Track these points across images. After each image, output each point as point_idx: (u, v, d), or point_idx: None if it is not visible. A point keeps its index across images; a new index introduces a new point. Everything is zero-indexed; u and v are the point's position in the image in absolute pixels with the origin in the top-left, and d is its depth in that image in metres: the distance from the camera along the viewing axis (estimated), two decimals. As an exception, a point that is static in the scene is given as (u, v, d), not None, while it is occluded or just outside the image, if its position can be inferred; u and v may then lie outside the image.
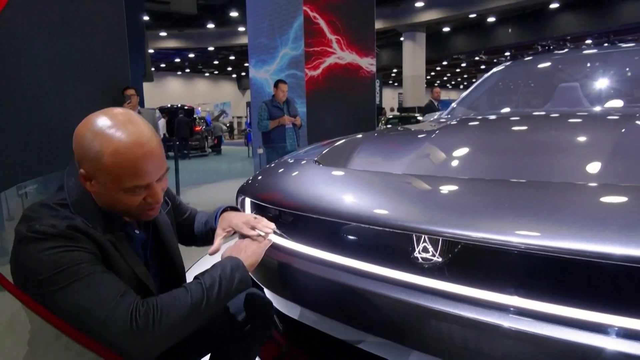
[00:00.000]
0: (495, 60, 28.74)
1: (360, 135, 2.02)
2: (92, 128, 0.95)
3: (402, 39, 21.70)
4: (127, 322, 0.87)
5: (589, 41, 23.50)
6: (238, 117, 38.05)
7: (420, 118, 13.14)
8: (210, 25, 22.25)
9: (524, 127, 1.78)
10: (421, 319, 1.02)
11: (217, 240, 1.26)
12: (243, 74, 35.99)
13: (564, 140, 1.51)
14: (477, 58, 27.08)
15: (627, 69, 2.44)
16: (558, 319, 0.88)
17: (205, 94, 35.23)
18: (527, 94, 2.58)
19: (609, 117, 1.77)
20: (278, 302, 1.34)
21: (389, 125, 11.27)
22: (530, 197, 1.07)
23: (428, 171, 1.37)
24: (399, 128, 2.16)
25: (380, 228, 1.13)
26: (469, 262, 1.03)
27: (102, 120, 0.96)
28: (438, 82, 38.51)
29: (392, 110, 20.42)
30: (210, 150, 17.80)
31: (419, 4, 19.51)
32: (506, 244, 0.93)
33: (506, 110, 2.49)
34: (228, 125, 30.29)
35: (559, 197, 1.04)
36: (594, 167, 1.20)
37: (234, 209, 1.37)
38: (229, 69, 33.75)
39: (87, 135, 0.94)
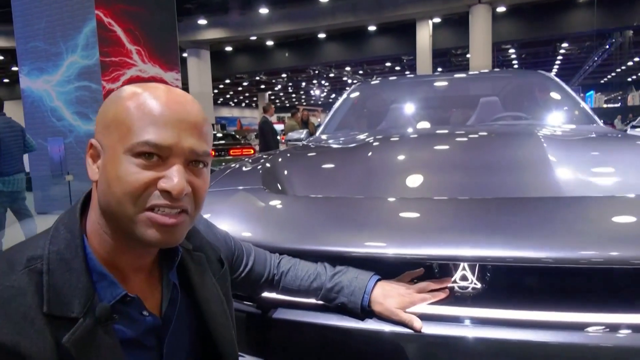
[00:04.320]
0: (273, 81, 30.80)
1: (271, 156, 1.83)
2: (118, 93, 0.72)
3: (185, 54, 21.19)
4: None
5: (348, 68, 27.59)
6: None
7: (220, 135, 13.01)
8: None
9: (460, 143, 1.83)
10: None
11: (408, 315, 0.96)
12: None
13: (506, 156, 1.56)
14: (257, 78, 28.52)
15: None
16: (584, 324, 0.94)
17: None
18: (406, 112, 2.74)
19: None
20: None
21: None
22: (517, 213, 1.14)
23: (395, 193, 1.33)
24: (309, 148, 2.04)
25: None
26: (507, 283, 1.03)
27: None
28: (222, 99, 38.93)
29: None
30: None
31: (202, 22, 19.42)
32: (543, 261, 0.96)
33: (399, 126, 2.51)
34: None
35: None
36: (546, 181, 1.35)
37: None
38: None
39: (111, 97, 0.71)
